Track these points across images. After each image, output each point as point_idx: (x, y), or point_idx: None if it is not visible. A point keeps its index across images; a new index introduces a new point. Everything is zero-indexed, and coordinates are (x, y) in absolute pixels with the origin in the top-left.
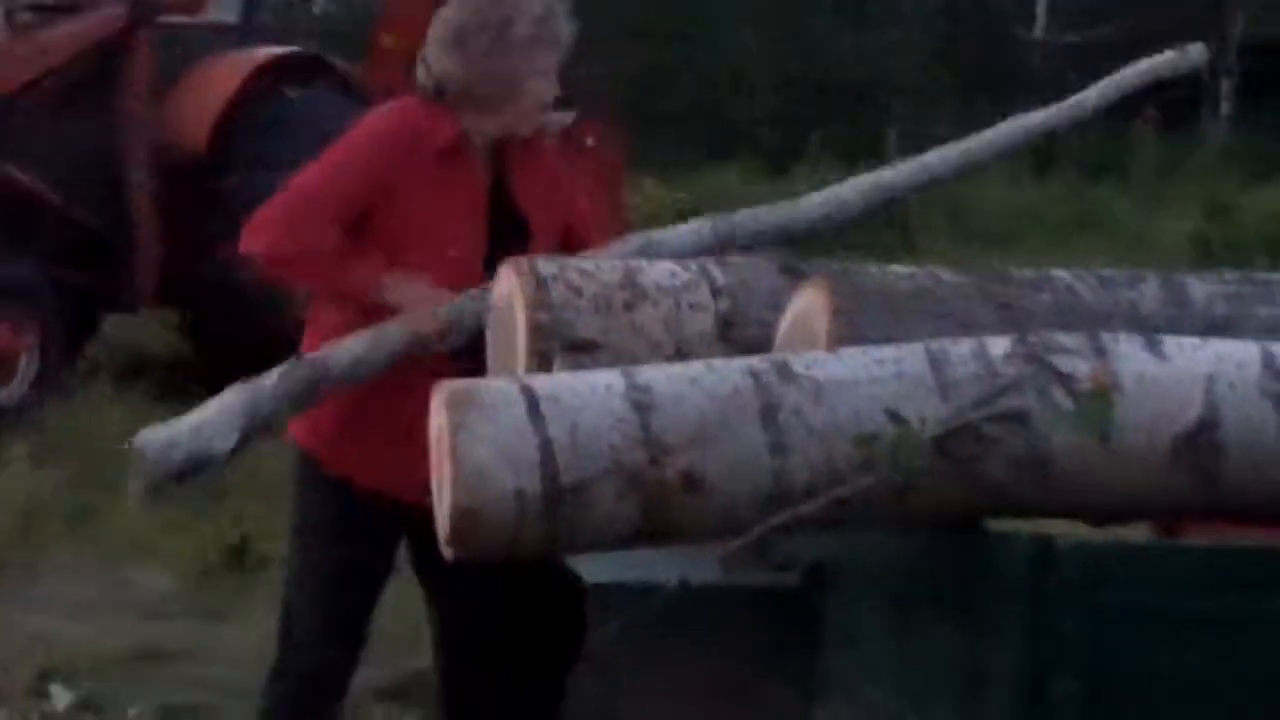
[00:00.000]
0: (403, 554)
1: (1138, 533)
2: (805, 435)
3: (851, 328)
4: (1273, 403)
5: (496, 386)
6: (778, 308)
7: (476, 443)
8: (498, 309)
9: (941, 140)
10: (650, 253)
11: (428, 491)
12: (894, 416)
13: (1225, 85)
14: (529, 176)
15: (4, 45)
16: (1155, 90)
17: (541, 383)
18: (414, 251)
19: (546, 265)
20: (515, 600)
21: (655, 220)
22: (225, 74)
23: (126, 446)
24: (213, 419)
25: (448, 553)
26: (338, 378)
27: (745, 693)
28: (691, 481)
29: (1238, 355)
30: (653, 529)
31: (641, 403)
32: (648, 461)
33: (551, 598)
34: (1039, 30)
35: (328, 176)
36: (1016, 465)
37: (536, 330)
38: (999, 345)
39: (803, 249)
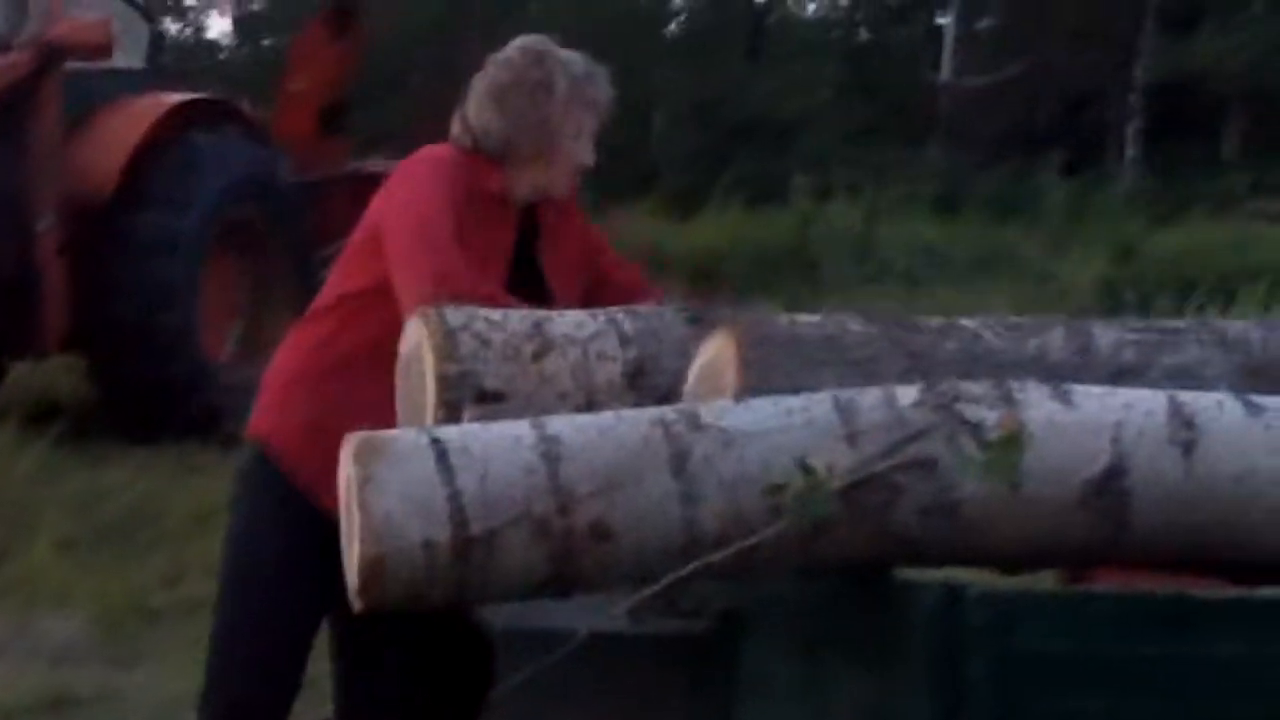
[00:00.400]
0: None
1: (1045, 580)
2: (715, 484)
3: (760, 377)
4: (1180, 450)
5: (405, 437)
6: (686, 356)
7: (384, 493)
8: (406, 359)
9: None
10: None
11: None
12: (803, 466)
13: (1130, 129)
14: (559, 241)
15: None
16: (1062, 133)
17: (450, 433)
18: None
19: (454, 315)
20: (422, 649)
21: None
22: (134, 118)
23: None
24: None
25: (356, 604)
26: None
27: None
28: (601, 531)
29: (1145, 403)
30: (562, 578)
31: (551, 453)
32: (557, 511)
33: (459, 646)
34: (945, 73)
35: (442, 211)
36: (925, 513)
37: (445, 381)
38: (907, 394)
39: (711, 296)
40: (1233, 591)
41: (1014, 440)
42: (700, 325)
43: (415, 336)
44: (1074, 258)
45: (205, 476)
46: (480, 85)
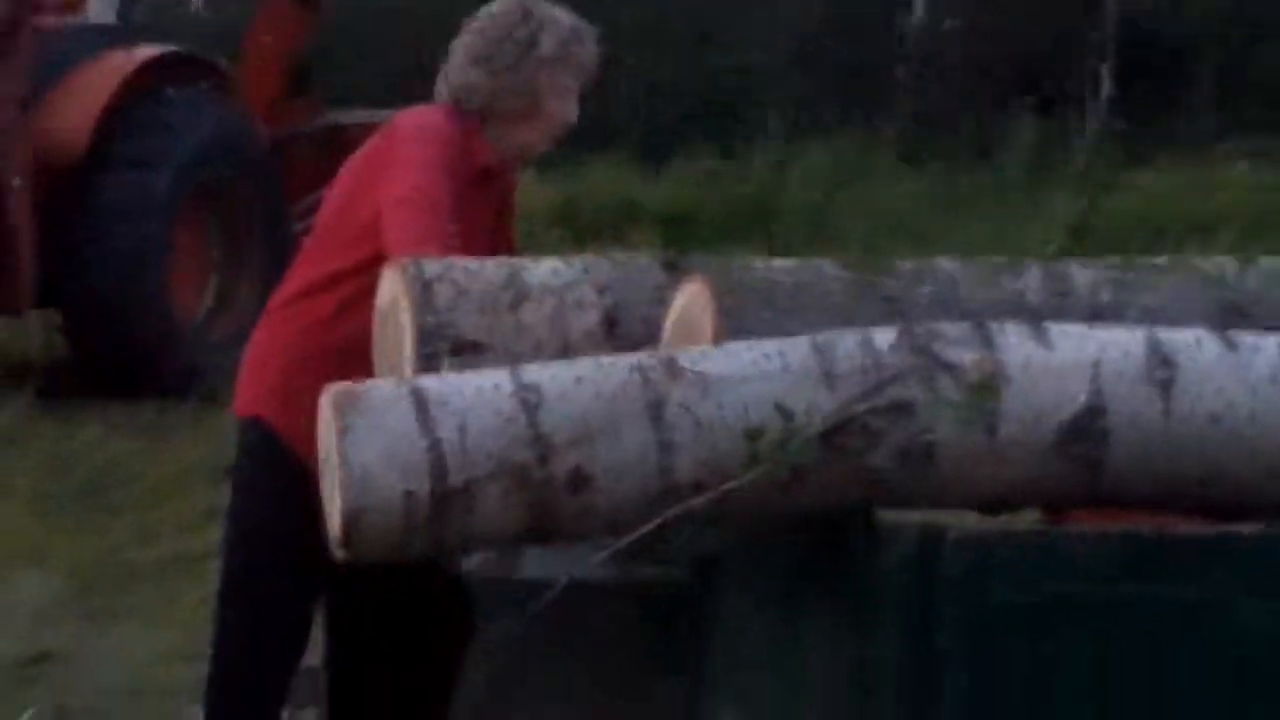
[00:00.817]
0: None
1: (1025, 520)
2: (693, 430)
3: (736, 323)
4: (1158, 389)
5: (384, 387)
6: (662, 304)
7: (363, 446)
8: (383, 312)
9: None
10: None
11: None
12: (781, 410)
13: (1103, 70)
14: (509, 206)
15: None
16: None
17: (429, 383)
18: None
19: (431, 266)
20: (404, 598)
21: (527, 216)
22: (105, 74)
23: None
24: None
25: (338, 555)
26: None
27: (633, 687)
28: (580, 479)
29: (1123, 342)
30: (542, 527)
31: (529, 401)
32: (536, 460)
33: (440, 595)
34: (919, 15)
35: (440, 178)
36: (903, 456)
37: (422, 332)
38: (884, 337)
39: (683, 245)
40: (1212, 530)
41: (990, 383)
42: (676, 272)
43: (391, 288)
44: (1048, 198)
45: (179, 435)
46: (463, 42)
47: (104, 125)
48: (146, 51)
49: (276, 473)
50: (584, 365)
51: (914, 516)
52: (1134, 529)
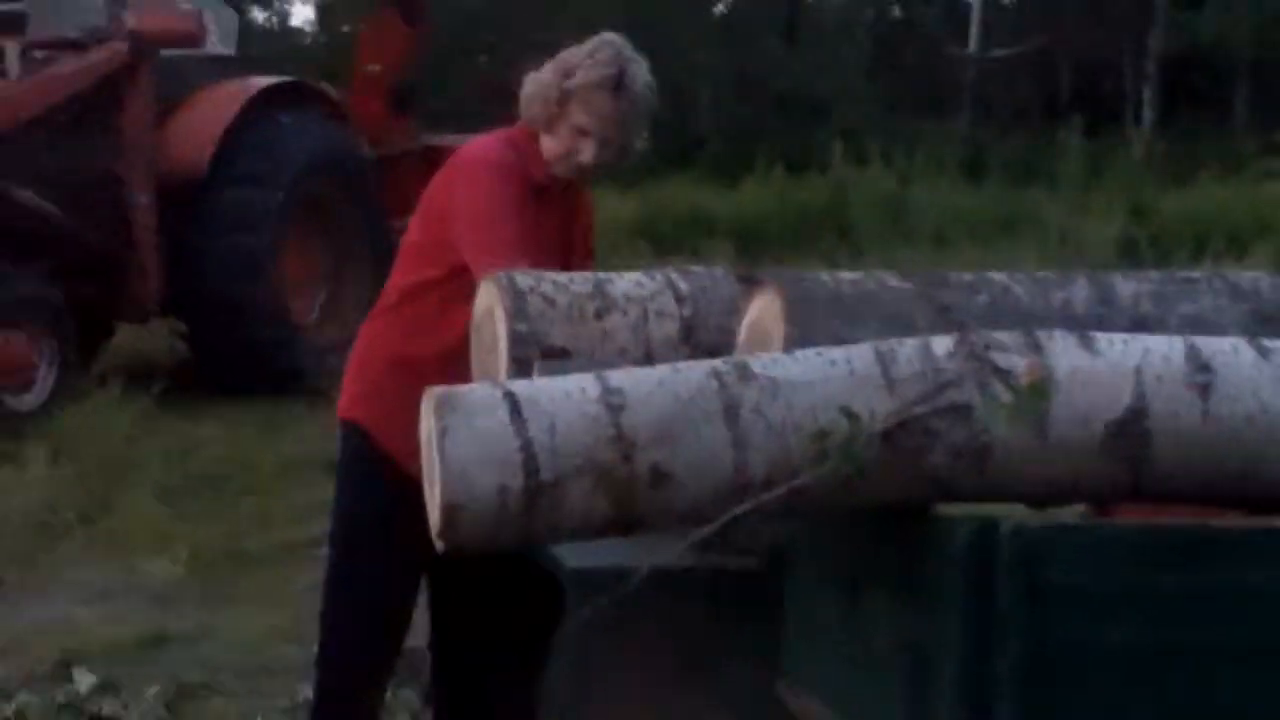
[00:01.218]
0: None
1: (1073, 514)
2: (764, 431)
3: (804, 331)
4: (1196, 393)
5: (480, 391)
6: (735, 314)
7: (462, 444)
8: (478, 320)
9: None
10: None
11: None
12: (846, 412)
13: (1145, 95)
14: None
15: (19, 80)
16: (1081, 101)
17: (521, 387)
18: None
19: (523, 279)
20: (502, 585)
21: (611, 229)
22: (224, 102)
23: None
24: None
25: (439, 545)
26: None
27: (709, 669)
28: (660, 476)
29: (1163, 349)
30: (624, 520)
31: (613, 404)
32: (620, 458)
33: (534, 583)
34: (972, 45)
35: (511, 207)
36: (959, 455)
37: (515, 339)
38: (942, 344)
39: (755, 256)
40: (1252, 522)
41: (1041, 386)
42: (748, 284)
43: (486, 299)
44: (1094, 217)
45: (290, 430)
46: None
47: (222, 147)
48: (261, 81)
49: (371, 470)
50: (664, 370)
51: (969, 510)
52: (1176, 522)
